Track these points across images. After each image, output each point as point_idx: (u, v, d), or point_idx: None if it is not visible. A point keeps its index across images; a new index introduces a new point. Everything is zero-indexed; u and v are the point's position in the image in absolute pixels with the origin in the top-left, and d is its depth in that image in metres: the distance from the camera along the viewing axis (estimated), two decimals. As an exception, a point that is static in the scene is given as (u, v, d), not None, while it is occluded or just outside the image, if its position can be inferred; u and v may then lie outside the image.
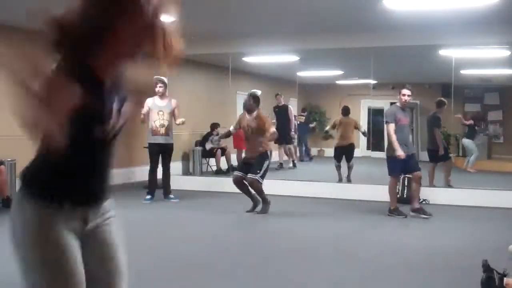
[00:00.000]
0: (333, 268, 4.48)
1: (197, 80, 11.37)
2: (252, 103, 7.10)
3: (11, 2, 6.60)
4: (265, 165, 6.90)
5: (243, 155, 7.37)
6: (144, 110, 7.74)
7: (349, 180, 9.60)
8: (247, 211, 7.02)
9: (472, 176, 10.59)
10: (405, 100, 6.70)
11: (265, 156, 6.94)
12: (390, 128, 6.70)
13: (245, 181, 7.01)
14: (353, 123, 10.00)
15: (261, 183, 6.92)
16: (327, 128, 10.91)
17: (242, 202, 8.16)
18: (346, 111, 9.93)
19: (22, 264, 1.62)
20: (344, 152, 9.68)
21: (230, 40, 9.08)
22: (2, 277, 4.00)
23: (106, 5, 1.47)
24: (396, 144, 6.61)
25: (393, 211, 6.85)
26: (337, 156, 9.68)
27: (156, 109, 7.71)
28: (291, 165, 11.75)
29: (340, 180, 9.60)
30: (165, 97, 7.83)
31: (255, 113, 7.07)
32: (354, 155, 9.90)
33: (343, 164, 9.65)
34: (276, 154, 11.34)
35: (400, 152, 6.57)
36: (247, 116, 7.13)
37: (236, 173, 7.28)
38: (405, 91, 6.69)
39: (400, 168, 6.87)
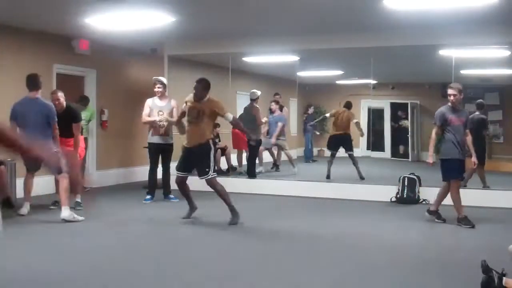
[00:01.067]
0: (333, 268, 4.48)
1: (197, 80, 11.36)
2: (201, 90, 6.36)
3: (12, 2, 6.59)
4: (211, 158, 6.25)
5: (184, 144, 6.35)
6: (145, 111, 7.77)
7: (361, 177, 9.56)
8: (183, 217, 6.46)
9: (472, 176, 10.58)
10: (451, 99, 6.22)
11: (207, 147, 6.25)
12: (433, 130, 6.34)
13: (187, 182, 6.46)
14: (350, 115, 10.33)
15: (216, 176, 6.33)
16: (327, 114, 11.22)
17: (241, 202, 8.16)
18: (348, 105, 10.56)
19: None
20: (340, 142, 9.96)
21: (230, 40, 9.08)
22: (3, 274, 4.02)
23: None
24: (431, 149, 6.27)
25: (462, 220, 6.18)
26: (332, 145, 10.02)
27: (156, 109, 7.74)
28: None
29: (328, 177, 9.62)
30: (164, 97, 7.85)
31: (206, 98, 6.40)
32: (358, 154, 10.31)
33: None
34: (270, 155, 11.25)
35: (430, 160, 6.24)
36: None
37: (178, 174, 6.48)
38: (449, 91, 6.29)
39: (459, 169, 6.20)
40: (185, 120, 6.69)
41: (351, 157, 9.91)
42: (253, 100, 9.97)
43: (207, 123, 6.31)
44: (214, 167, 6.35)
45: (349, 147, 9.98)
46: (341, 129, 10.17)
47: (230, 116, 6.48)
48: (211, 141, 6.37)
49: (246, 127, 9.88)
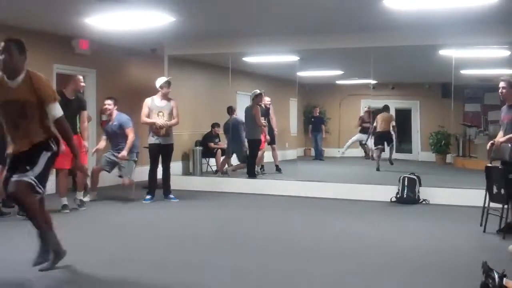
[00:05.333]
0: (332, 268, 4.48)
1: (197, 80, 11.37)
2: (18, 54, 4.03)
3: (12, 2, 6.59)
4: (42, 160, 3.98)
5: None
6: (144, 111, 7.74)
7: (391, 163, 11.42)
8: (35, 265, 4.08)
9: (472, 176, 10.58)
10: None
11: (44, 147, 4.06)
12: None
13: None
14: (390, 118, 12.07)
15: (39, 193, 4.00)
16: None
17: (241, 202, 8.16)
18: (385, 108, 12.11)
19: None
20: (384, 137, 11.62)
21: (230, 40, 9.08)
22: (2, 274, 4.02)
23: None
24: None
25: None
26: (377, 141, 11.67)
27: (156, 110, 7.72)
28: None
29: (378, 169, 11.04)
30: (165, 97, 7.83)
31: (22, 75, 3.98)
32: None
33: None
34: (270, 155, 11.17)
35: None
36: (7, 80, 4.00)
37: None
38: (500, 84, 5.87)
39: None
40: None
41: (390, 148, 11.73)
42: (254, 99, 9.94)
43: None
44: (43, 172, 4.01)
45: (389, 141, 11.70)
46: (384, 128, 11.76)
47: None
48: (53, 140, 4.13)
49: (248, 127, 9.90)
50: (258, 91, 9.90)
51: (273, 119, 10.91)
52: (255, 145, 9.76)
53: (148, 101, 7.80)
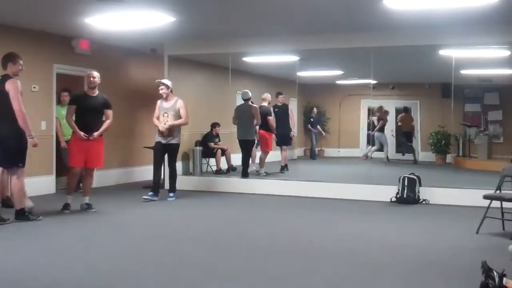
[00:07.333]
0: (333, 268, 4.48)
1: (197, 80, 11.37)
2: None
3: (12, 2, 6.60)
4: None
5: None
6: (155, 112, 7.95)
7: (415, 161, 12.92)
8: None
9: (472, 176, 10.60)
10: None
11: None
12: None
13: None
14: (410, 118, 13.83)
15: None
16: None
17: (241, 202, 8.16)
18: (405, 110, 13.97)
19: None
20: (407, 136, 13.59)
21: (230, 40, 9.08)
22: (2, 275, 4.02)
23: None
24: None
25: None
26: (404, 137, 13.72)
27: (162, 111, 7.90)
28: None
29: (415, 162, 12.80)
30: (170, 98, 7.93)
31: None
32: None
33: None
34: (278, 155, 11.16)
35: None
36: None
37: None
38: None
39: None
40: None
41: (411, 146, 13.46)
42: (248, 99, 9.93)
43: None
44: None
45: (409, 139, 13.61)
46: (406, 127, 13.75)
47: None
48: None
49: (244, 127, 9.90)
50: (249, 94, 9.92)
51: (292, 119, 11.01)
52: (248, 145, 9.77)
53: (158, 103, 8.05)
